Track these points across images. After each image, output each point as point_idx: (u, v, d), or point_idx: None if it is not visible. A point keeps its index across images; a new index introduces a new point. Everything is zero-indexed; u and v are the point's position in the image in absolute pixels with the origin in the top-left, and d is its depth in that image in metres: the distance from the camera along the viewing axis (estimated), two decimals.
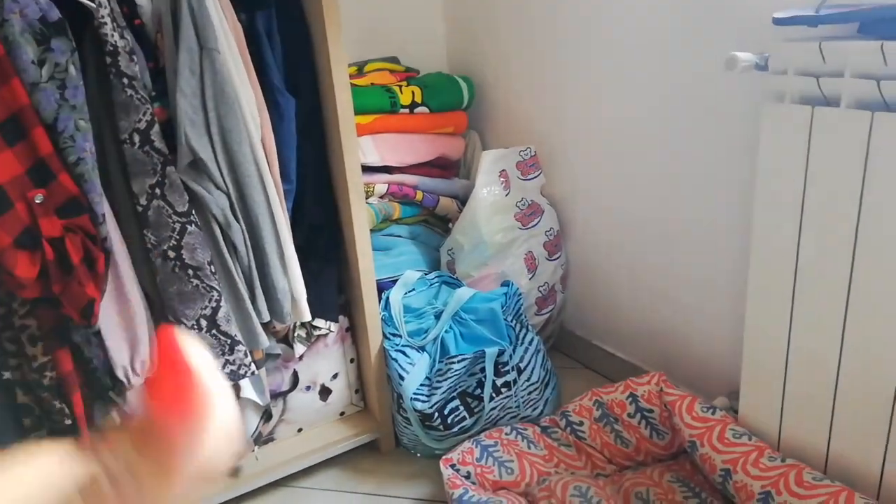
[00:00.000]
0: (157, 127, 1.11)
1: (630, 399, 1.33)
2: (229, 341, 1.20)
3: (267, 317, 1.27)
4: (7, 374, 1.12)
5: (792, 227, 1.03)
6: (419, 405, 1.39)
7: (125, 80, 1.08)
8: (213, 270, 1.18)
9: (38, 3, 1.01)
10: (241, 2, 1.20)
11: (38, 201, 1.04)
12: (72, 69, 1.04)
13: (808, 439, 1.10)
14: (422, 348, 1.47)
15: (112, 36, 1.06)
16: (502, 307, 1.49)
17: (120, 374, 1.14)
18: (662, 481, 1.25)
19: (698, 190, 1.36)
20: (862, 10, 0.95)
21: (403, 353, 1.44)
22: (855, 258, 0.96)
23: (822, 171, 0.98)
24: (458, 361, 1.38)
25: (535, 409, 1.47)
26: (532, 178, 1.72)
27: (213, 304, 1.17)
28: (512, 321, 1.48)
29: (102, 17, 1.06)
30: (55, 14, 1.02)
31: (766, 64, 1.03)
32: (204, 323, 1.17)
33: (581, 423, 1.37)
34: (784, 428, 1.13)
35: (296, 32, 1.27)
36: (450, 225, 1.80)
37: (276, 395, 1.43)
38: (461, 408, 1.41)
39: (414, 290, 1.58)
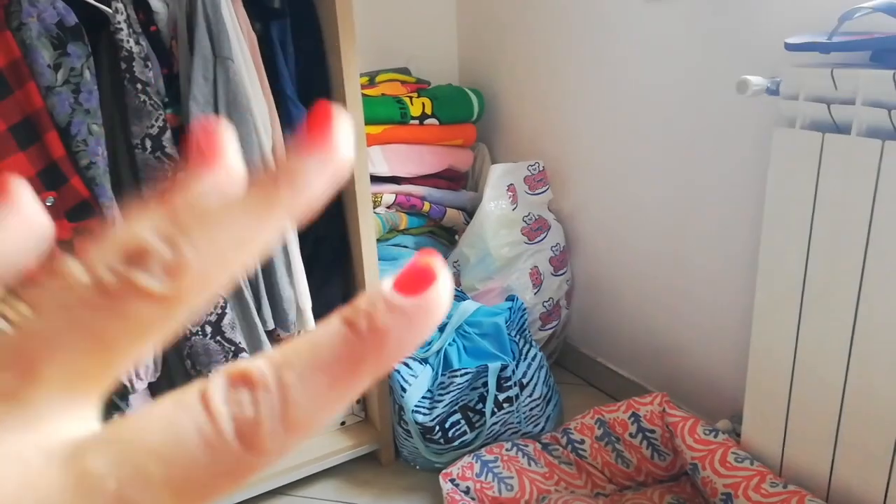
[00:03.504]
0: (168, 133, 1.12)
1: (632, 419, 1.32)
2: (233, 348, 1.20)
3: (272, 325, 1.27)
4: None
5: (800, 251, 1.03)
6: (420, 418, 1.39)
7: (139, 86, 1.09)
8: None
9: (56, 7, 1.02)
10: (256, 11, 1.21)
11: (48, 204, 1.05)
12: (87, 74, 1.05)
13: (810, 465, 1.09)
14: (424, 361, 1.46)
15: (127, 42, 1.07)
16: (506, 322, 1.48)
17: (123, 378, 1.14)
18: (662, 503, 1.25)
19: (706, 212, 1.36)
20: (875, 38, 0.95)
21: (406, 364, 1.44)
22: (862, 284, 0.96)
23: (831, 197, 0.98)
24: (461, 375, 1.38)
25: (536, 425, 1.47)
26: (540, 193, 1.72)
27: (219, 311, 1.18)
28: (516, 336, 1.48)
29: (118, 22, 1.07)
30: (72, 19, 1.03)
31: (777, 88, 1.03)
32: (209, 329, 1.17)
33: (582, 442, 1.37)
34: (787, 453, 1.13)
35: (309, 43, 1.28)
36: (456, 237, 1.81)
37: None
38: (462, 422, 1.40)
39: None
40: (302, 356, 0.14)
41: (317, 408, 0.14)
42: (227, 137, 0.16)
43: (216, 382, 0.14)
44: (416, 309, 0.15)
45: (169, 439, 0.13)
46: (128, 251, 0.14)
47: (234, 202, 0.15)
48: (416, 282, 0.15)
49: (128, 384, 1.15)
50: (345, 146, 0.16)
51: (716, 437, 1.20)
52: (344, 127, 0.16)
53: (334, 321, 0.15)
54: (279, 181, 0.15)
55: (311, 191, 0.16)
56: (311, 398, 0.14)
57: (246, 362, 0.14)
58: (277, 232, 0.16)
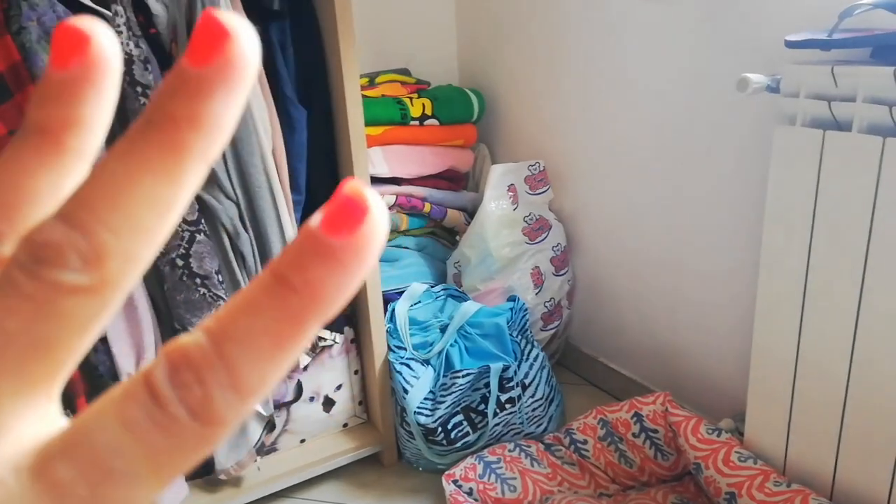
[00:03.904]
0: None
1: (635, 419, 1.32)
2: None
3: None
4: None
5: (801, 249, 1.03)
6: (423, 419, 1.39)
7: (139, 89, 1.09)
8: (221, 280, 1.18)
9: (56, 11, 1.03)
10: (255, 13, 1.21)
11: None
12: None
13: (814, 464, 1.09)
14: (426, 362, 1.46)
15: (127, 45, 1.07)
16: (508, 322, 1.48)
17: (124, 379, 1.14)
18: (666, 503, 1.24)
19: (708, 210, 1.36)
20: (875, 35, 0.95)
21: (408, 366, 1.44)
22: (864, 282, 0.96)
23: (832, 194, 0.97)
24: (463, 376, 1.38)
25: (539, 425, 1.47)
26: (540, 193, 1.72)
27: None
28: (517, 336, 1.48)
29: (118, 25, 1.07)
30: None
31: (777, 86, 1.03)
32: None
33: (585, 442, 1.36)
34: (790, 452, 1.12)
35: (309, 44, 1.28)
36: (457, 237, 1.81)
37: (279, 406, 1.43)
38: (465, 423, 1.40)
39: (420, 302, 1.58)
40: (240, 323, 0.14)
41: (265, 370, 0.14)
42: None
43: (159, 367, 0.13)
44: (349, 251, 0.14)
45: (128, 436, 0.13)
46: (38, 249, 0.13)
47: (135, 162, 0.14)
48: (346, 217, 0.14)
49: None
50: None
51: (719, 436, 1.20)
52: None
53: (266, 275, 0.14)
54: (178, 120, 0.14)
55: (226, 116, 0.14)
56: (258, 363, 0.14)
57: (184, 338, 0.14)
58: (196, 181, 0.14)
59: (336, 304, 0.14)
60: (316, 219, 0.14)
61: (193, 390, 0.13)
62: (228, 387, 0.13)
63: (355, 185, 0.14)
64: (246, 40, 0.14)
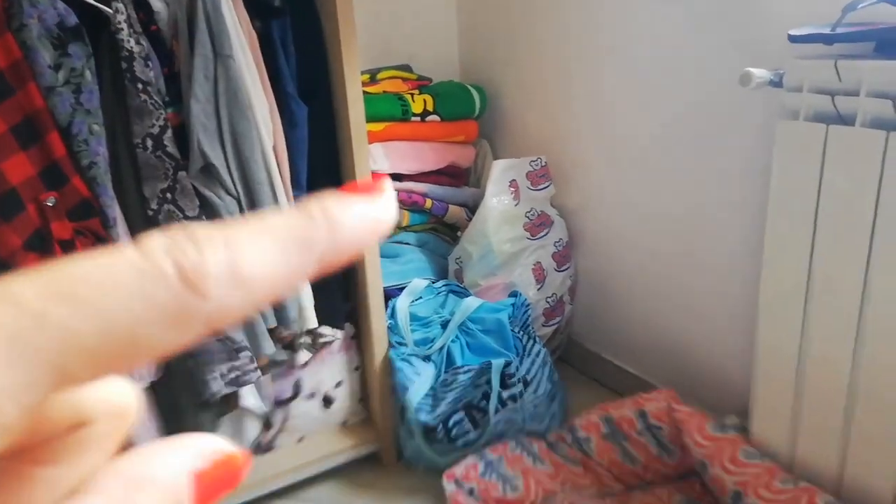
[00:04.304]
0: (170, 132, 1.12)
1: (639, 416, 1.31)
2: (234, 347, 1.20)
3: (273, 323, 1.27)
4: None
5: (804, 244, 1.02)
6: (423, 416, 1.38)
7: (139, 86, 1.08)
8: None
9: (57, 8, 1.02)
10: (256, 9, 1.21)
11: (49, 204, 1.05)
12: (87, 74, 1.05)
13: (821, 460, 1.08)
14: (427, 358, 1.46)
15: (128, 41, 1.07)
16: (510, 318, 1.48)
17: None
18: (671, 502, 1.24)
19: (710, 205, 1.35)
20: (878, 29, 0.94)
21: (409, 362, 1.44)
22: (868, 276, 0.95)
23: (835, 189, 0.97)
24: (464, 372, 1.38)
25: (541, 422, 1.46)
26: (542, 189, 1.71)
27: None
28: (519, 332, 1.47)
29: (119, 22, 1.06)
30: (73, 19, 1.03)
31: (780, 81, 1.02)
32: None
33: (588, 439, 1.36)
34: (797, 448, 1.12)
35: (310, 40, 1.27)
36: (458, 233, 1.80)
37: (278, 403, 1.43)
38: (466, 420, 1.40)
39: (421, 298, 1.58)
40: (250, 224, 0.14)
41: (265, 268, 0.13)
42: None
43: (153, 235, 0.13)
44: (364, 205, 0.15)
45: (99, 273, 0.12)
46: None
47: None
48: (362, 188, 0.16)
49: None
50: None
51: (724, 433, 1.19)
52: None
53: (284, 211, 0.14)
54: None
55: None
56: (260, 258, 0.13)
57: (186, 226, 0.13)
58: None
59: (346, 247, 0.15)
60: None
61: (186, 249, 0.13)
62: (224, 260, 0.13)
63: (373, 177, 0.16)
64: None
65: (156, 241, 0.13)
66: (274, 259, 0.14)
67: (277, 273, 0.14)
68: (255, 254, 0.13)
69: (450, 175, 1.80)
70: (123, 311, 0.12)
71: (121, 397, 0.16)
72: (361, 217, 0.15)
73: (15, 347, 0.11)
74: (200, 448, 0.16)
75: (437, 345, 1.47)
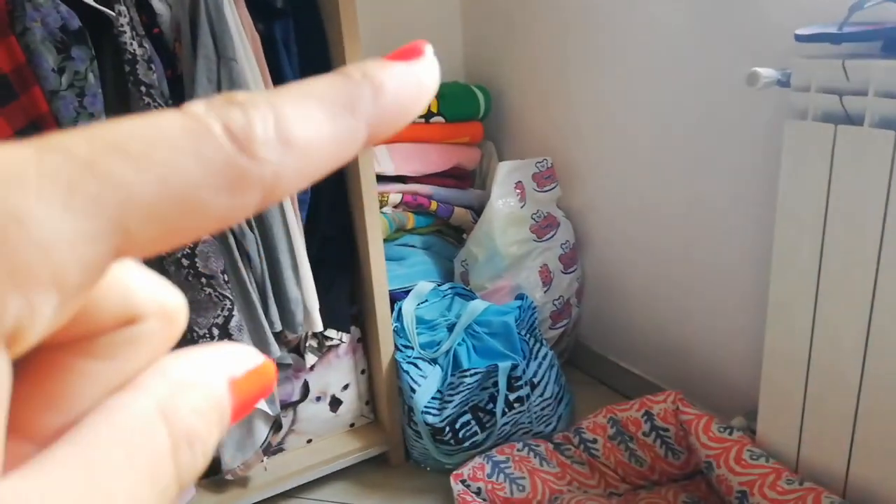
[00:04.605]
0: None
1: (645, 417, 1.31)
2: None
3: (279, 326, 1.27)
4: None
5: (814, 245, 1.01)
6: (430, 419, 1.38)
7: (143, 89, 1.08)
8: (227, 279, 1.18)
9: (59, 11, 1.02)
10: (258, 11, 1.20)
11: None
12: (91, 77, 1.05)
13: (827, 461, 1.07)
14: (434, 361, 1.45)
15: (131, 44, 1.07)
16: (516, 321, 1.47)
17: None
18: (677, 502, 1.23)
19: (718, 205, 1.34)
20: (886, 28, 0.93)
21: (415, 365, 1.43)
22: (878, 277, 0.94)
23: (844, 189, 0.96)
24: (471, 375, 1.37)
25: (548, 424, 1.46)
26: (548, 190, 1.71)
27: (226, 314, 1.17)
28: (526, 335, 1.47)
29: (122, 25, 1.06)
30: (76, 23, 1.03)
31: (787, 80, 1.01)
32: (216, 332, 1.17)
33: (595, 441, 1.35)
34: (803, 450, 1.11)
35: (313, 42, 1.27)
36: (464, 236, 1.80)
37: (286, 406, 1.43)
38: (473, 422, 1.39)
39: (427, 301, 1.57)
40: (292, 88, 0.13)
41: (313, 132, 0.13)
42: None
43: (197, 101, 0.12)
44: (407, 68, 0.15)
45: (149, 131, 0.12)
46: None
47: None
48: (404, 53, 0.15)
49: None
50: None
51: (730, 434, 1.18)
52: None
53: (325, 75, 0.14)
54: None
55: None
56: (306, 119, 0.13)
57: (228, 92, 0.13)
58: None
59: (394, 112, 0.14)
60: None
61: (235, 116, 0.12)
62: (272, 125, 0.12)
63: (415, 42, 0.16)
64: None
65: (198, 105, 0.12)
66: (321, 122, 0.13)
67: (327, 137, 0.13)
68: (302, 117, 0.13)
69: (455, 177, 1.80)
70: (178, 167, 0.11)
71: (171, 299, 0.15)
72: (404, 78, 0.15)
73: (75, 195, 0.11)
74: (237, 357, 0.15)
75: (444, 348, 1.46)
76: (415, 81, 0.15)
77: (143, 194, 0.11)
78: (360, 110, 0.14)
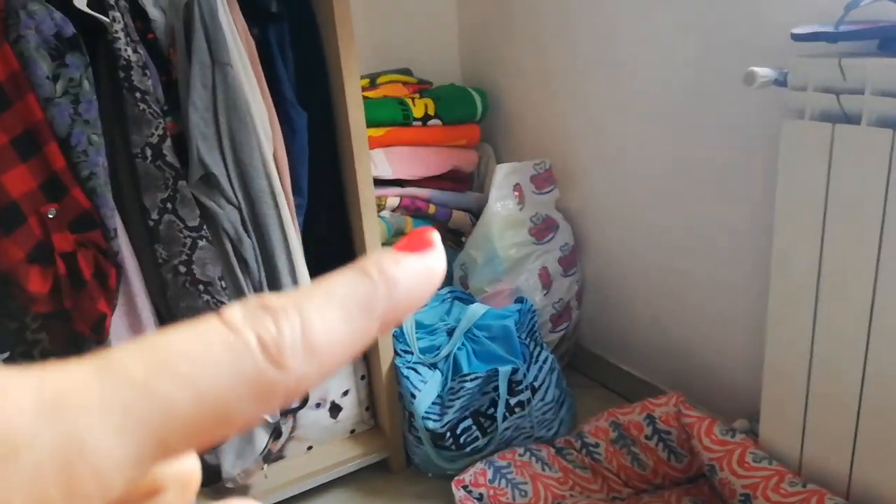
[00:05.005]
0: (168, 141, 1.11)
1: (647, 420, 1.30)
2: None
3: None
4: None
5: (813, 245, 1.01)
6: (431, 424, 1.37)
7: (138, 95, 1.08)
8: (224, 286, 1.17)
9: (54, 18, 1.02)
10: (253, 15, 1.20)
11: (50, 216, 1.04)
12: (85, 84, 1.04)
13: (830, 463, 1.07)
14: (434, 366, 1.45)
15: (125, 50, 1.07)
16: (516, 324, 1.46)
17: None
18: None
19: (717, 207, 1.34)
20: (882, 26, 0.93)
21: (415, 370, 1.43)
22: (878, 276, 0.94)
23: (843, 188, 0.95)
24: (471, 380, 1.36)
25: (549, 429, 1.45)
26: (547, 193, 1.70)
27: None
28: (526, 339, 1.46)
29: (116, 31, 1.06)
30: (70, 30, 1.03)
31: (785, 79, 1.01)
32: None
33: (597, 445, 1.34)
34: (805, 451, 1.10)
35: (308, 45, 1.27)
36: (463, 239, 1.79)
37: (285, 413, 1.42)
38: (474, 427, 1.39)
39: (426, 305, 1.57)
40: (316, 292, 0.15)
41: (334, 338, 0.14)
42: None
43: (233, 308, 0.14)
44: (419, 263, 0.16)
45: (194, 347, 0.13)
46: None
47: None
48: (414, 245, 0.17)
49: None
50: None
51: (733, 437, 1.18)
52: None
53: (344, 270, 0.15)
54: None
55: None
56: (329, 327, 0.14)
57: (260, 296, 0.14)
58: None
59: (404, 306, 0.16)
60: (389, 249, 0.16)
61: (268, 326, 0.14)
62: (300, 336, 0.14)
63: (423, 230, 0.17)
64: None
65: (236, 311, 0.14)
66: (341, 327, 0.15)
67: (347, 340, 0.15)
68: (324, 323, 0.14)
69: (453, 180, 1.79)
70: (217, 385, 0.13)
71: (188, 466, 0.17)
72: (416, 273, 0.16)
73: (128, 419, 0.12)
74: None
75: (444, 352, 1.46)
76: (426, 274, 0.16)
77: (185, 410, 0.13)
78: (376, 311, 0.15)
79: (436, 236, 0.17)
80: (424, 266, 0.16)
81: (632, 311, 1.62)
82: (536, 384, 1.42)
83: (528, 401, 1.40)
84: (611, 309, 1.69)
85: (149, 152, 1.10)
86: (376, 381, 1.47)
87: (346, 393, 1.48)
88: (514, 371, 1.38)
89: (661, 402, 1.30)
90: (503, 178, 1.64)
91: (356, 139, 1.27)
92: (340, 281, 0.15)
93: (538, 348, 1.46)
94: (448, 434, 1.37)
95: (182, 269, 1.14)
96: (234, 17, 1.15)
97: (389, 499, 1.41)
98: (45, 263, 1.05)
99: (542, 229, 1.66)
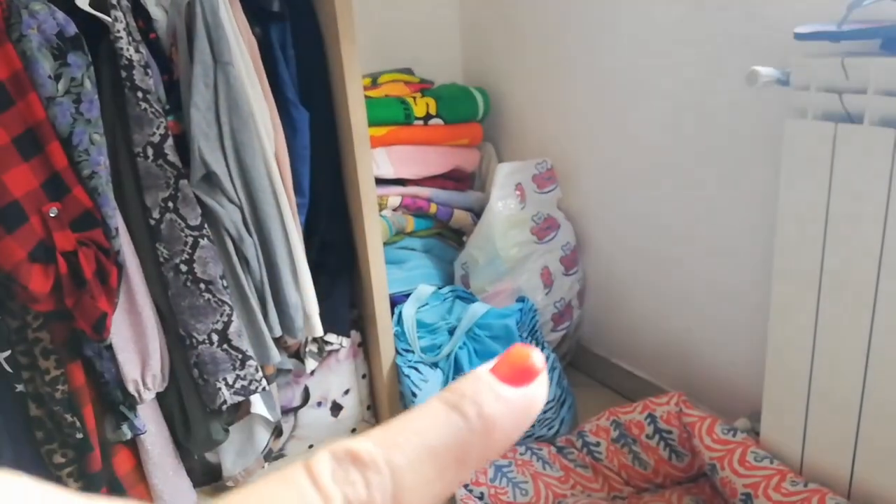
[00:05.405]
0: (170, 140, 1.11)
1: (648, 419, 1.30)
2: (240, 356, 1.19)
3: (279, 332, 1.26)
4: (20, 387, 1.12)
5: (815, 245, 1.01)
6: None
7: (139, 94, 1.08)
8: (226, 285, 1.17)
9: (56, 18, 1.02)
10: (255, 15, 1.20)
11: (52, 215, 1.04)
12: (87, 83, 1.05)
13: (831, 463, 1.07)
14: (435, 365, 1.45)
15: (127, 50, 1.07)
16: (517, 323, 1.47)
17: (131, 388, 1.14)
18: None
19: (719, 206, 1.33)
20: (885, 26, 0.93)
21: (416, 369, 1.43)
22: (880, 277, 0.94)
23: (845, 188, 0.95)
24: None
25: (550, 428, 1.45)
26: (548, 192, 1.70)
27: (225, 319, 1.17)
28: (527, 338, 1.46)
29: (118, 31, 1.06)
30: (72, 29, 1.03)
31: (787, 79, 1.01)
32: (215, 337, 1.16)
33: (598, 444, 1.35)
34: (807, 451, 1.10)
35: (310, 45, 1.27)
36: (464, 238, 1.79)
37: (287, 411, 1.42)
38: None
39: (427, 304, 1.57)
40: (410, 440, 0.14)
41: (425, 494, 0.13)
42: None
43: (323, 459, 0.13)
44: (521, 399, 0.15)
45: None
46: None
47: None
48: (517, 373, 0.15)
49: (135, 394, 1.14)
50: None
51: (734, 436, 1.18)
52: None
53: (437, 405, 0.14)
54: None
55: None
56: (420, 484, 0.13)
57: (351, 441, 0.14)
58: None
59: (501, 448, 0.14)
60: (487, 367, 0.15)
61: (358, 490, 0.13)
62: (390, 499, 0.13)
63: (527, 349, 0.15)
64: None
65: (325, 465, 0.13)
66: (433, 484, 0.14)
67: (436, 494, 0.14)
68: (416, 480, 0.13)
69: (454, 179, 1.79)
70: None
71: None
72: (517, 409, 0.15)
73: None
74: None
75: (445, 351, 1.46)
76: (527, 409, 0.15)
77: None
78: (470, 461, 0.14)
79: (540, 359, 0.15)
80: (526, 401, 0.15)
81: (634, 310, 1.62)
82: None
83: None
84: (612, 308, 1.69)
85: (150, 151, 1.10)
86: (377, 379, 1.47)
87: (347, 392, 1.49)
88: None
89: (663, 401, 1.30)
90: (505, 177, 1.64)
91: (358, 138, 1.27)
92: (434, 421, 0.14)
93: (539, 347, 1.47)
94: None
95: (183, 267, 1.14)
96: (236, 16, 1.15)
97: None
98: (46, 262, 1.05)
99: (543, 229, 1.66)
